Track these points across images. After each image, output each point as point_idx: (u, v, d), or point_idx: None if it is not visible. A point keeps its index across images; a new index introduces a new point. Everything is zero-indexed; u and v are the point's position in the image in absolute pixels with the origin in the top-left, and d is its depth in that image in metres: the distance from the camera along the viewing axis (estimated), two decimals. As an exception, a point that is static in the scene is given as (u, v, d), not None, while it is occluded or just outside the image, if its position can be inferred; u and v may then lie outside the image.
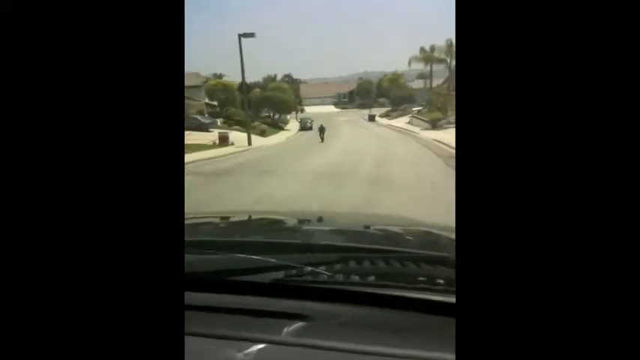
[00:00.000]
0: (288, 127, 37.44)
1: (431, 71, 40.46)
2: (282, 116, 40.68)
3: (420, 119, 32.33)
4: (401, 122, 37.31)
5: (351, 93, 67.08)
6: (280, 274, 0.85)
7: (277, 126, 35.63)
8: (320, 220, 1.82)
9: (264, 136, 27.32)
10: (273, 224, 1.72)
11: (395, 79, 53.03)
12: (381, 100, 58.38)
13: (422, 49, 36.92)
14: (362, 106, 58.04)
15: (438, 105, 30.23)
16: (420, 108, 42.34)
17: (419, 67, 38.72)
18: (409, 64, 38.28)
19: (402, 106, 48.63)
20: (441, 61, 38.24)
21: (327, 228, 1.63)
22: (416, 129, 29.20)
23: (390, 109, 49.66)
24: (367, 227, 1.70)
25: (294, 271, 0.85)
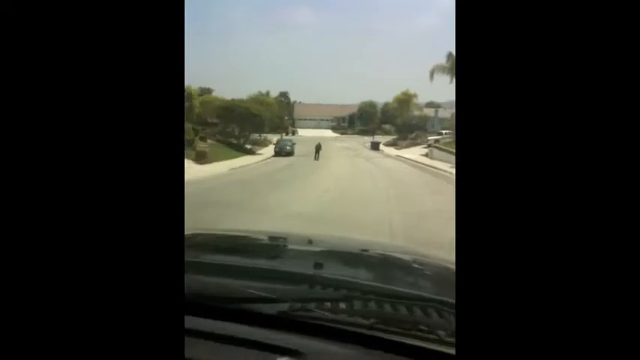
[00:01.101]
0: (262, 150, 27.45)
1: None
2: (257, 136, 30.80)
3: (447, 151, 22.41)
4: (414, 154, 27.53)
5: (351, 117, 57.74)
6: (285, 307, 0.85)
7: (242, 149, 25.51)
8: (310, 242, 1.80)
9: (202, 163, 17.14)
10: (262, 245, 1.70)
11: (406, 99, 43.05)
12: (386, 126, 48.89)
13: (450, 56, 27.50)
14: (363, 133, 48.72)
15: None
16: (438, 137, 32.66)
17: (443, 80, 29.02)
18: (431, 76, 28.74)
19: (414, 134, 39.08)
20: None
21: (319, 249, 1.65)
22: (443, 165, 19.31)
23: (396, 137, 39.95)
24: (365, 250, 1.67)
25: (299, 305, 0.86)
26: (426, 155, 26.31)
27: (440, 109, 47.26)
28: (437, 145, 27.74)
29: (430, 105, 50.46)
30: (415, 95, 43.25)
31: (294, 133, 47.17)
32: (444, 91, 32.56)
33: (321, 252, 1.60)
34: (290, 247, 1.70)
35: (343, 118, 58.62)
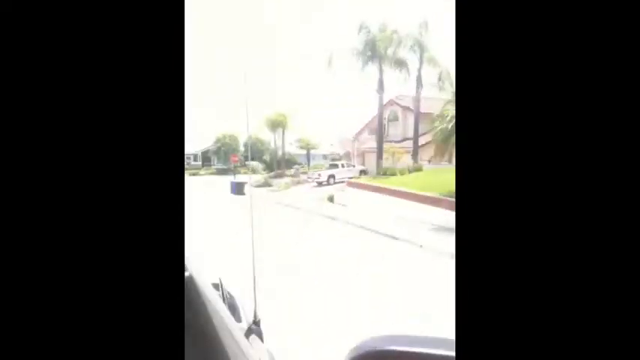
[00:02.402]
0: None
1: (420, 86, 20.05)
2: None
3: (399, 194, 11.41)
4: (306, 196, 16.12)
5: (205, 153, 44.94)
6: None
7: None
8: None
9: None
10: None
11: (281, 121, 31.79)
12: (252, 163, 37.26)
13: (362, 27, 17.47)
14: (223, 172, 36.42)
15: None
16: (332, 170, 22.03)
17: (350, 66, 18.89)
18: (329, 64, 18.31)
19: (293, 169, 28.14)
20: (400, 64, 18.82)
21: None
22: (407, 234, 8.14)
23: (268, 174, 28.44)
24: None
25: None
26: (331, 200, 15.18)
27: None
28: (357, 181, 16.92)
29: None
30: (291, 115, 31.86)
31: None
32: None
33: None
34: None
35: (195, 156, 45.28)
